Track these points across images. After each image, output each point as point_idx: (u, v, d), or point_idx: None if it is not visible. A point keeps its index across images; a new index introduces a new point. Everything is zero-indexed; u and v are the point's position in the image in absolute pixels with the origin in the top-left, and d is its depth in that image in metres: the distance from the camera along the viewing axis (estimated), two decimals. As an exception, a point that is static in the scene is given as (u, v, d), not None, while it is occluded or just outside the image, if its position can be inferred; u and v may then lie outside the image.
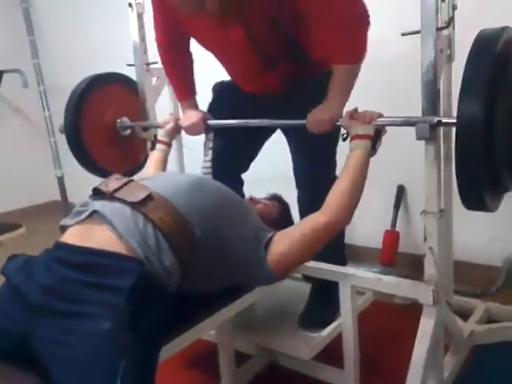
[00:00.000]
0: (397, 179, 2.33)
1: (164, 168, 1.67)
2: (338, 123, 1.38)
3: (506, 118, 1.12)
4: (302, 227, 1.20)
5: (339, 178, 1.26)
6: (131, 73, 2.01)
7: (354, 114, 1.33)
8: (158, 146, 1.70)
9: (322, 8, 1.30)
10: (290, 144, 1.67)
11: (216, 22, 1.40)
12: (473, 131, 1.07)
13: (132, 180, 1.18)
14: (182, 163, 2.22)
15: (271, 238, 1.18)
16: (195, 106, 1.74)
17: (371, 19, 1.36)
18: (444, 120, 1.24)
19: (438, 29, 1.24)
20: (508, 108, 1.12)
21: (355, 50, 1.37)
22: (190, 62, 1.74)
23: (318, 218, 1.19)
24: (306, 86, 1.51)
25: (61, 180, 3.82)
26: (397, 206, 2.33)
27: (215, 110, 1.72)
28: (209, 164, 1.75)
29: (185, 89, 1.74)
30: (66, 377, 0.90)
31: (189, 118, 1.70)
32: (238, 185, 1.76)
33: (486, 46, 1.12)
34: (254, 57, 1.49)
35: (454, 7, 1.52)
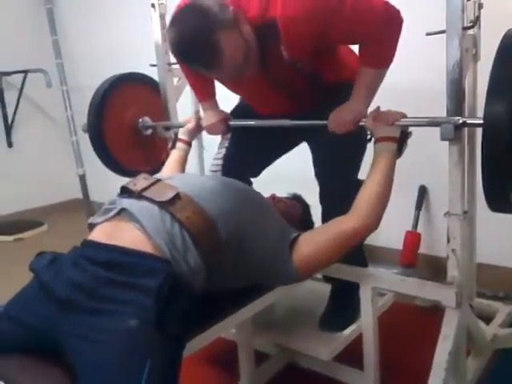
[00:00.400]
0: (419, 180, 2.30)
1: (183, 168, 1.66)
2: (361, 123, 1.36)
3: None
4: (330, 230, 1.20)
5: (366, 182, 1.24)
6: (153, 73, 2.03)
7: (377, 114, 1.31)
8: (179, 144, 1.70)
9: (355, 25, 1.28)
10: (312, 150, 1.64)
11: (242, 79, 1.40)
12: (500, 132, 1.05)
13: (160, 180, 1.19)
14: (203, 164, 2.23)
15: (296, 238, 1.18)
16: (216, 107, 1.74)
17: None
18: (469, 121, 1.22)
19: (464, 28, 1.23)
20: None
21: (386, 55, 1.35)
22: None
23: (346, 223, 1.18)
24: (328, 97, 1.49)
25: (82, 178, 3.86)
26: (418, 207, 2.31)
27: (237, 116, 1.72)
28: (219, 162, 1.75)
29: (204, 90, 1.74)
30: (91, 373, 0.91)
31: (209, 118, 1.70)
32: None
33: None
34: (281, 100, 1.52)
35: (480, 6, 1.50)
